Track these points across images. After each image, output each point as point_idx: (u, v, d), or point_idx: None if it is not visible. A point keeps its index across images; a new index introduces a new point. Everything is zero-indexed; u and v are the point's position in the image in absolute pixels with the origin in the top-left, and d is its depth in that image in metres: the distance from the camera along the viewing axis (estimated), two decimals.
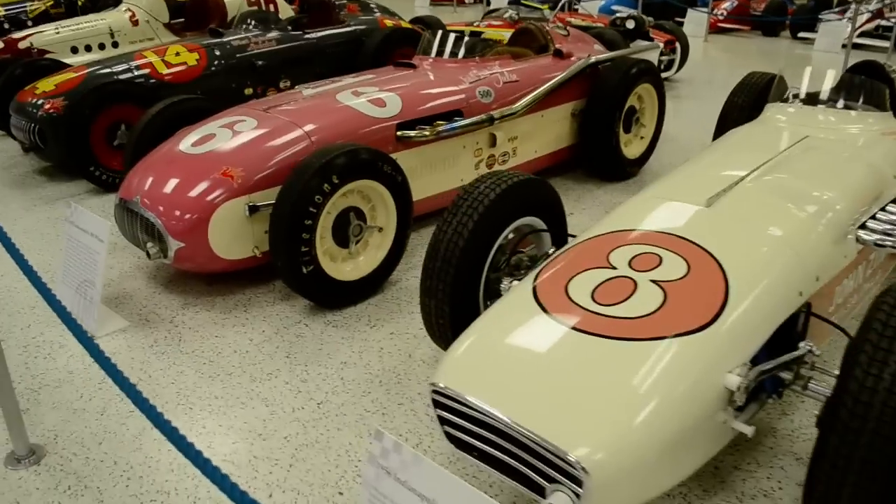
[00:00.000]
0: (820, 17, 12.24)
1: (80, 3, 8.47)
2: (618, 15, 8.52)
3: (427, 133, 3.92)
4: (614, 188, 5.07)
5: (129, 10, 7.24)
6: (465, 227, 2.62)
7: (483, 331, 2.17)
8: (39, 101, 4.98)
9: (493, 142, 4.39)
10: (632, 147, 5.21)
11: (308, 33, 6.17)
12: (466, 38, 4.86)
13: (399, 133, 3.88)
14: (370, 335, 3.22)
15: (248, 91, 5.78)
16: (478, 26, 9.17)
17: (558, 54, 5.06)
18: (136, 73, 5.26)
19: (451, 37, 4.80)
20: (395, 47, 6.32)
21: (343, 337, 3.21)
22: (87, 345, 2.00)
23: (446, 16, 14.45)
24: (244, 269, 3.52)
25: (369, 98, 3.93)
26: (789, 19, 12.63)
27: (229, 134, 3.55)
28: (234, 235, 3.35)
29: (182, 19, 7.71)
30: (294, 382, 2.89)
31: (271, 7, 8.09)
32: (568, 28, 5.69)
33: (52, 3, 8.45)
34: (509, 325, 2.15)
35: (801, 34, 12.30)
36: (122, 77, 5.18)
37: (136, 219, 3.38)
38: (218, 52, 5.63)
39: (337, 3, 6.74)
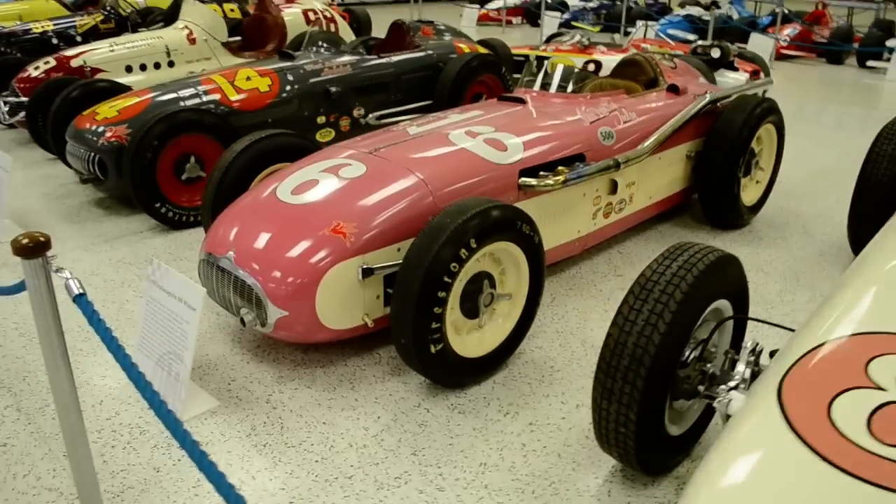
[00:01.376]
0: (888, 45, 11.72)
1: (130, 20, 8.07)
2: (700, 42, 8.01)
3: (551, 182, 3.41)
4: (731, 238, 4.54)
5: (187, 27, 6.83)
6: (660, 317, 2.11)
7: (728, 475, 1.63)
8: (100, 129, 4.53)
9: (613, 189, 3.88)
10: (748, 192, 4.68)
11: (383, 58, 5.70)
12: (576, 71, 4.39)
13: (521, 181, 3.38)
14: (506, 426, 2.71)
15: (321, 119, 5.31)
16: (544, 50, 8.70)
17: (673, 90, 4.55)
18: (204, 98, 4.80)
19: (560, 69, 4.31)
20: (476, 75, 5.84)
21: (475, 428, 2.69)
22: (184, 443, 1.51)
23: (496, 36, 14.03)
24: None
25: (486, 139, 3.44)
26: (856, 48, 12.07)
27: (335, 181, 3.05)
28: (343, 302, 2.85)
29: (239, 38, 7.29)
30: (429, 491, 2.37)
31: (332, 27, 7.67)
32: (675, 60, 5.18)
33: (101, 18, 8.06)
34: (764, 469, 1.62)
35: (869, 62, 11.73)
36: (189, 103, 4.72)
37: (229, 279, 2.88)
38: (291, 77, 5.17)
39: (410, 25, 6.26)
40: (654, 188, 4.32)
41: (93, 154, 4.50)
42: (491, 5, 15.95)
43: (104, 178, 4.54)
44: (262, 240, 2.87)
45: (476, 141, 3.41)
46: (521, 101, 4.06)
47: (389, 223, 2.92)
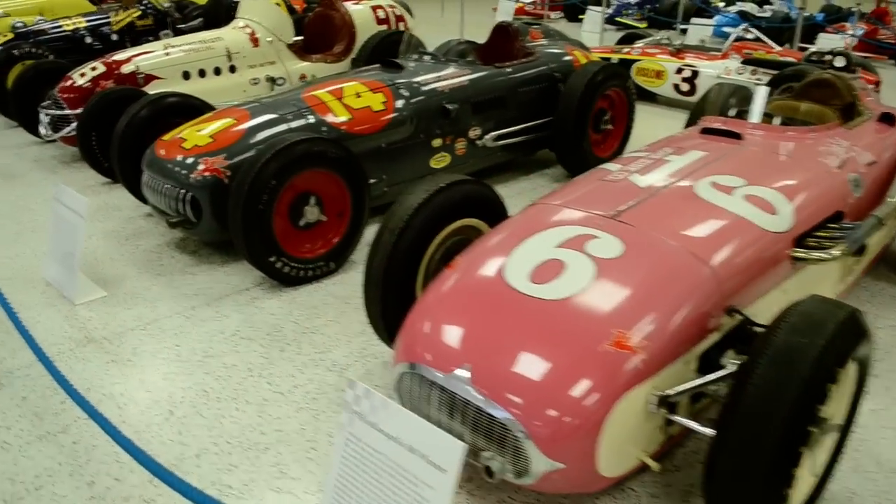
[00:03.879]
0: None
1: (168, 16, 7.16)
2: (815, 49, 7.24)
3: (827, 255, 2.61)
4: None
5: (248, 26, 5.94)
6: None
7: None
8: (189, 160, 3.68)
9: (860, 248, 3.08)
10: None
11: (499, 68, 4.87)
12: (775, 95, 3.62)
13: (793, 253, 2.59)
14: None
15: (437, 142, 4.48)
16: (628, 53, 7.90)
17: (887, 119, 3.77)
18: (310, 120, 3.96)
19: (762, 92, 3.51)
20: (603, 89, 5.02)
21: None
22: None
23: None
24: None
25: (746, 196, 2.64)
26: None
27: (587, 263, 2.24)
28: (624, 442, 2.05)
29: (300, 38, 6.42)
30: None
31: (402, 26, 6.83)
32: (860, 78, 4.39)
33: (138, 14, 7.14)
34: None
35: None
36: (294, 125, 3.87)
37: (461, 409, 2.06)
38: (406, 93, 4.33)
39: (518, 28, 5.42)
40: (876, 240, 3.54)
41: (183, 192, 3.65)
42: None
43: (197, 220, 3.68)
44: (512, 353, 2.05)
45: (735, 199, 2.61)
46: (735, 136, 3.25)
47: (678, 327, 2.12)
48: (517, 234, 2.46)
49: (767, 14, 12.81)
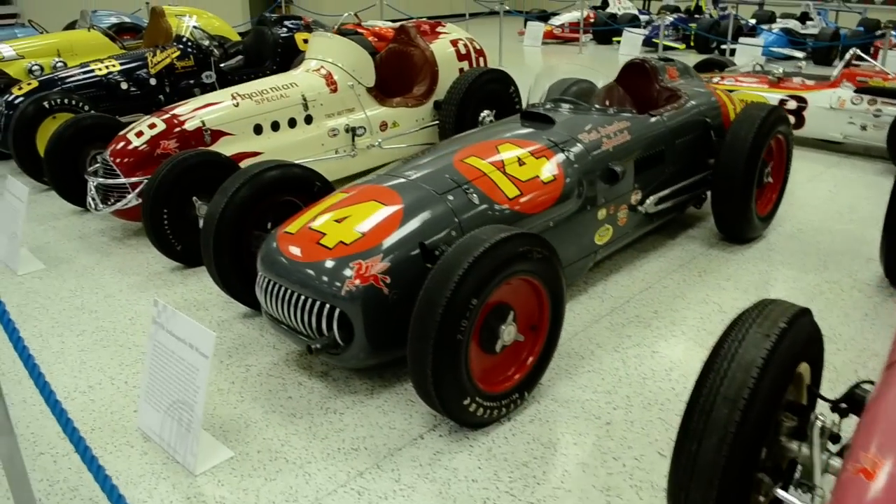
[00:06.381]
0: None
1: (212, 55, 6.24)
2: None
3: None
4: None
5: (324, 68, 5.05)
6: None
7: None
8: (333, 263, 2.76)
9: None
10: None
11: (654, 116, 4.02)
12: None
13: None
14: None
15: (601, 214, 3.62)
16: (720, 83, 7.08)
17: None
18: (473, 198, 3.08)
19: None
20: (770, 136, 4.18)
21: None
22: None
23: (568, 59, 12.44)
24: None
25: None
26: None
27: None
28: None
29: None
30: None
31: (481, 62, 5.98)
32: None
33: (177, 53, 6.22)
34: None
35: None
36: (456, 206, 3.00)
37: None
38: (571, 155, 3.47)
39: (654, 64, 4.58)
40: None
41: (328, 307, 2.73)
42: (555, 20, 14.26)
43: (345, 343, 2.77)
44: None
45: None
46: None
47: None
48: None
49: (814, 31, 12.15)
